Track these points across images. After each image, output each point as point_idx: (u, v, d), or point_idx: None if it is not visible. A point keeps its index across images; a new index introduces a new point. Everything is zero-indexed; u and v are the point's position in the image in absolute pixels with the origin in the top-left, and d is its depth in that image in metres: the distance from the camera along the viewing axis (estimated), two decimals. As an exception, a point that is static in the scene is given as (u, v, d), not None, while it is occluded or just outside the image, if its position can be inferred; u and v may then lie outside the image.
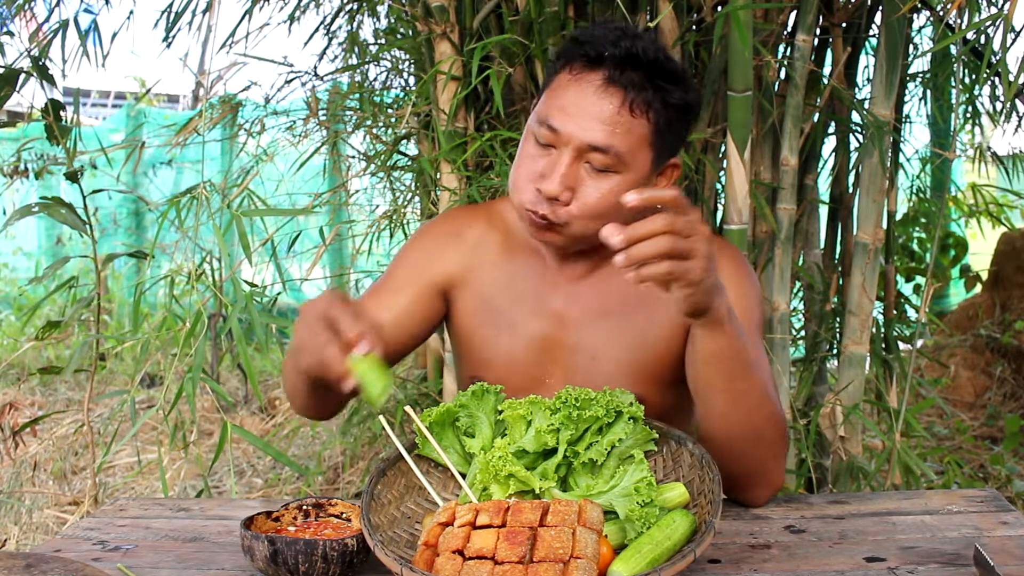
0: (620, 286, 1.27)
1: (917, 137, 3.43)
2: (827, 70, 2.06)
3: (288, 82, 2.48)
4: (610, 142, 1.12)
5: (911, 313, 2.46)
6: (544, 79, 1.22)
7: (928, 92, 2.57)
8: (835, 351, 2.13)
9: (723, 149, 1.93)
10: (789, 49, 1.95)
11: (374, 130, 2.39)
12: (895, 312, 2.27)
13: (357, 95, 2.39)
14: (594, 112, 1.13)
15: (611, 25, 1.17)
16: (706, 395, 1.09)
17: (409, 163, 2.39)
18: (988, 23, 1.50)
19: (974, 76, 2.28)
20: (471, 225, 1.35)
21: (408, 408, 1.10)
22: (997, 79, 2.21)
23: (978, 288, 4.62)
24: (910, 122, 2.61)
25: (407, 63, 2.48)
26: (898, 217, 2.90)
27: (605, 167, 1.14)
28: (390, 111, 2.39)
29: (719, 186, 2.01)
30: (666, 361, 1.25)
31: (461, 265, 1.32)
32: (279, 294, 2.46)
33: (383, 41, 2.48)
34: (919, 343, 3.30)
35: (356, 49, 2.50)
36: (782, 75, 2.00)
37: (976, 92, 2.44)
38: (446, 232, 1.35)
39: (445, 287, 1.33)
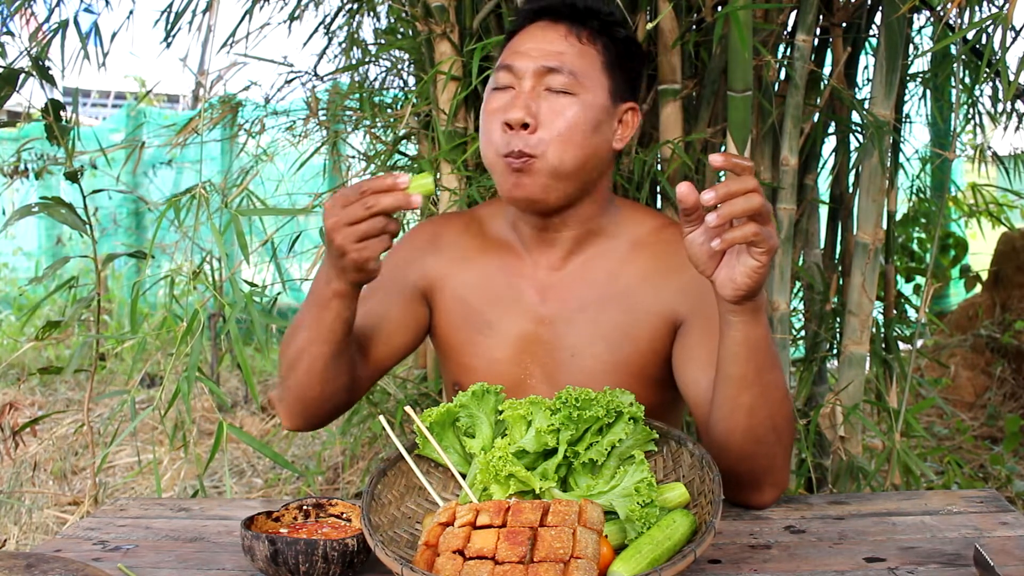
0: (596, 278, 1.26)
1: (917, 137, 3.43)
2: (827, 70, 2.06)
3: (288, 82, 2.48)
4: (563, 61, 1.18)
5: (911, 313, 2.46)
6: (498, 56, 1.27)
7: (928, 92, 2.57)
8: (835, 351, 2.13)
9: (723, 149, 1.93)
10: (789, 49, 1.95)
11: (374, 130, 2.39)
12: (895, 312, 2.27)
13: (357, 95, 2.39)
14: (544, 42, 1.19)
15: None
16: (737, 391, 1.05)
17: (409, 163, 2.39)
18: (988, 23, 1.50)
19: (974, 76, 2.28)
20: (446, 229, 1.36)
21: (408, 408, 1.10)
22: (997, 79, 2.21)
23: (978, 288, 4.62)
24: (910, 122, 2.61)
25: (407, 63, 2.48)
26: (898, 217, 2.90)
27: (564, 88, 1.18)
28: (390, 111, 2.39)
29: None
30: (648, 358, 1.24)
31: (437, 269, 1.33)
32: (279, 294, 2.46)
33: (383, 41, 2.48)
34: (919, 343, 3.30)
35: (356, 49, 2.50)
36: (782, 75, 2.00)
37: (976, 92, 2.44)
38: (422, 239, 1.37)
39: (425, 290, 1.34)
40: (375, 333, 1.30)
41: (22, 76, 1.82)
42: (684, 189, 0.93)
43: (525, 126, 1.16)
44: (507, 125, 1.17)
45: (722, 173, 1.81)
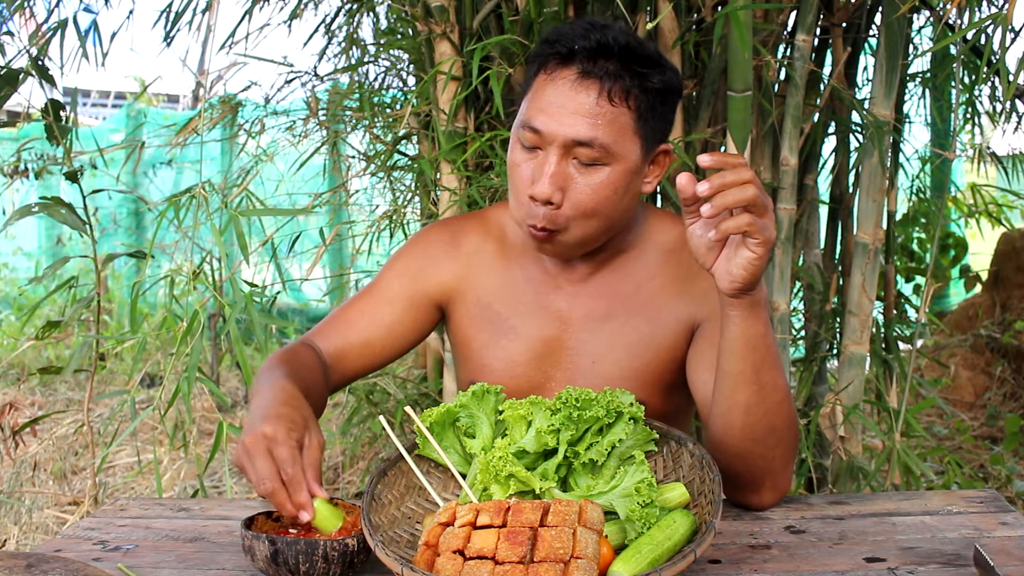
0: (622, 289, 1.27)
1: (917, 137, 3.43)
2: (827, 70, 2.06)
3: (288, 82, 2.48)
4: (593, 134, 1.11)
5: (911, 313, 2.46)
6: (523, 86, 1.22)
7: (928, 92, 2.57)
8: (835, 351, 2.14)
9: (723, 149, 1.93)
10: (789, 49, 1.95)
11: (374, 130, 2.39)
12: (895, 312, 2.28)
13: (357, 95, 2.39)
14: (573, 107, 1.11)
15: (579, 21, 1.17)
16: (733, 388, 1.05)
17: (409, 163, 2.39)
18: (987, 23, 1.50)
19: (974, 76, 2.29)
20: (466, 234, 1.35)
21: (408, 408, 1.10)
22: (997, 79, 2.21)
23: (978, 288, 4.62)
24: (910, 122, 2.62)
25: (407, 63, 2.48)
26: (898, 217, 2.90)
27: (593, 160, 1.12)
28: (390, 111, 2.39)
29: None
30: (668, 365, 1.25)
31: (457, 275, 1.32)
32: (278, 294, 2.46)
33: (383, 41, 2.48)
34: (919, 343, 3.30)
35: (356, 49, 2.50)
36: (782, 75, 2.01)
37: (976, 92, 2.45)
38: (442, 241, 1.35)
39: (440, 299, 1.33)
40: (383, 336, 1.30)
41: (22, 76, 1.82)
42: (683, 180, 0.92)
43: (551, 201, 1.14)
44: (532, 197, 1.14)
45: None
